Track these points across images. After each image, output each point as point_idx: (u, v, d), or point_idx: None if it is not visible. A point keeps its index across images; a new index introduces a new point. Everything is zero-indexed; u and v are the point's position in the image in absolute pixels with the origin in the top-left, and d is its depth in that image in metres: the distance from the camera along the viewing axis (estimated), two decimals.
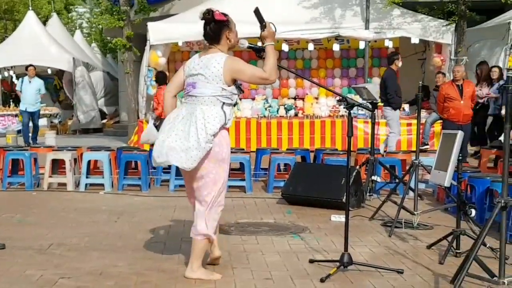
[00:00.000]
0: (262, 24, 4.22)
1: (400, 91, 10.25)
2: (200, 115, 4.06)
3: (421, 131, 11.62)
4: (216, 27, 4.20)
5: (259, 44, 4.36)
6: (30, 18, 20.83)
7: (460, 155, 4.92)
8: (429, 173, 5.68)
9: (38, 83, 14.30)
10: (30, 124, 14.35)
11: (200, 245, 4.23)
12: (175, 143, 4.05)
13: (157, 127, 10.71)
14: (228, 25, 4.23)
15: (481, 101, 11.17)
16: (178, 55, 15.31)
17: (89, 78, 20.64)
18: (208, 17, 4.17)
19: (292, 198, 7.26)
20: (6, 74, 20.09)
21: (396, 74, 10.52)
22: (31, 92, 14.18)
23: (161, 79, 10.78)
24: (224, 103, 4.14)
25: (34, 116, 14.34)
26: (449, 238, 4.90)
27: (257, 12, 4.26)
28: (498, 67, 11.63)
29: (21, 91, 14.22)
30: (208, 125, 4.03)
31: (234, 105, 4.33)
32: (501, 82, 10.85)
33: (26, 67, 14.68)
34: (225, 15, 4.24)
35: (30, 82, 14.21)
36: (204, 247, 4.26)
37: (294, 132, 12.87)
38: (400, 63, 10.28)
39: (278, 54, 14.43)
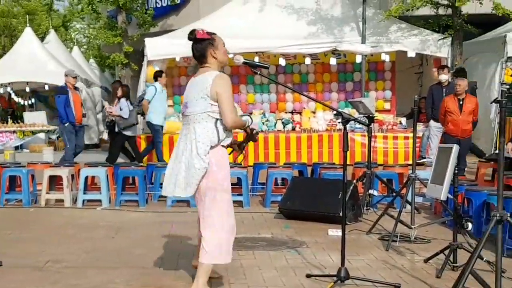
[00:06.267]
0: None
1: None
2: (192, 135, 4.07)
3: (417, 144, 11.70)
4: (200, 47, 4.22)
5: (256, 59, 4.41)
6: (28, 35, 20.90)
7: (456, 168, 4.93)
8: (426, 187, 5.69)
9: (166, 93, 12.24)
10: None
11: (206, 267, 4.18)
12: (178, 175, 4.12)
13: None
14: (212, 43, 4.22)
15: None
16: (175, 70, 15.35)
17: (87, 94, 20.64)
18: (192, 37, 4.21)
19: (289, 213, 7.26)
20: (2, 90, 20.09)
21: (442, 87, 10.87)
22: (165, 103, 12.07)
23: None
24: (217, 119, 4.09)
25: (161, 132, 12.05)
26: (446, 252, 4.90)
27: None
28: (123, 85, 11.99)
29: (149, 101, 11.62)
30: (199, 144, 4.02)
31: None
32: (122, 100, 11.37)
33: (158, 74, 11.96)
34: (210, 33, 4.25)
35: (162, 91, 11.94)
36: (210, 268, 4.21)
37: (291, 146, 12.88)
38: (439, 76, 10.83)
39: (275, 68, 14.57)
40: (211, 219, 4.10)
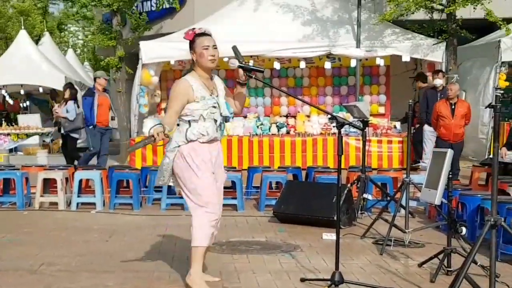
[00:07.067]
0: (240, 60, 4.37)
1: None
2: None
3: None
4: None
5: (251, 63, 4.41)
6: (22, 37, 20.84)
7: (450, 173, 4.94)
8: (420, 191, 5.70)
9: None
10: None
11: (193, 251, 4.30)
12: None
13: None
14: (191, 45, 4.28)
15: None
16: (170, 73, 15.33)
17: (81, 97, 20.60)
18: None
19: (283, 216, 7.25)
20: None
21: (436, 92, 11.12)
22: None
23: None
24: (189, 121, 4.25)
25: None
26: (440, 256, 4.91)
27: (235, 49, 4.39)
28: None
29: None
30: (170, 142, 4.28)
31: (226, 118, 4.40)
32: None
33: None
34: (197, 34, 4.26)
35: None
36: (196, 253, 4.28)
37: (286, 150, 12.88)
38: (434, 81, 11.14)
39: (269, 72, 14.57)
40: (190, 206, 4.33)
